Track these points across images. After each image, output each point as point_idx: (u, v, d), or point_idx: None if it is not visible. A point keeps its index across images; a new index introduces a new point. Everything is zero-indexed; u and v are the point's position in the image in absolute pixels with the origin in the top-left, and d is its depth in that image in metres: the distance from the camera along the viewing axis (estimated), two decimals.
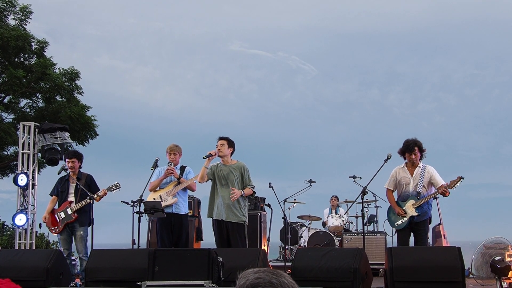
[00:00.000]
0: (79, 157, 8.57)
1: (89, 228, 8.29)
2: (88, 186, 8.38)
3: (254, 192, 7.90)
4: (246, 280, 1.79)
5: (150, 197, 8.12)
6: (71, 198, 8.36)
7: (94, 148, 17.22)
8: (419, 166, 7.59)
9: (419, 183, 7.51)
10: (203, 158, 7.72)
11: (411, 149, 7.49)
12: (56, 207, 8.45)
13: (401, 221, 7.51)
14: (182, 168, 8.28)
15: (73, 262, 8.87)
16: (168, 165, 8.06)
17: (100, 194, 8.20)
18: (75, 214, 8.22)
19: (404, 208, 7.52)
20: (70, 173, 8.45)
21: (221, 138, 7.85)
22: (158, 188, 8.17)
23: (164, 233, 8.07)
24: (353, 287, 6.24)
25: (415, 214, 7.44)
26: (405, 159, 7.63)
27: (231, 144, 7.86)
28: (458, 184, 7.39)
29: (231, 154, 7.93)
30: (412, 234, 7.58)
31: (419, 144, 7.53)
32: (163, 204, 7.94)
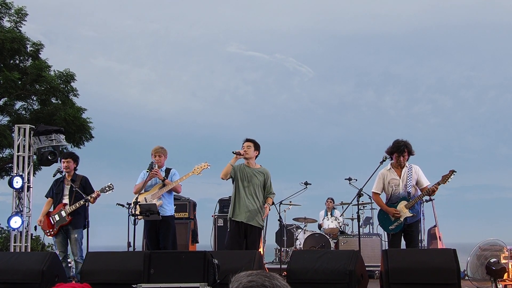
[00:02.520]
0: (74, 158, 8.52)
1: (85, 231, 8.23)
2: (83, 188, 8.32)
3: (273, 202, 7.97)
4: (239, 283, 1.78)
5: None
6: (66, 200, 8.30)
7: (89, 151, 17.19)
8: (406, 166, 7.50)
9: (408, 184, 7.42)
10: (233, 152, 7.69)
11: (401, 151, 7.38)
12: (52, 209, 8.42)
13: (396, 225, 7.38)
14: (168, 170, 8.23)
15: (69, 265, 8.83)
16: (152, 167, 8.02)
17: (93, 195, 8.13)
18: (69, 217, 8.17)
19: (397, 209, 7.39)
20: (65, 174, 8.41)
21: (248, 140, 7.80)
22: (143, 191, 8.05)
23: (153, 236, 8.03)
24: None
25: (409, 214, 7.32)
26: (391, 159, 7.53)
27: (257, 147, 7.82)
28: (451, 178, 7.28)
29: (256, 157, 7.89)
30: (403, 236, 7.47)
31: (409, 148, 7.42)
32: None
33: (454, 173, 7.27)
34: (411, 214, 7.35)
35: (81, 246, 8.14)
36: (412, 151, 7.48)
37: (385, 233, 7.79)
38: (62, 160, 8.50)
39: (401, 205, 7.38)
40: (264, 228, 8.93)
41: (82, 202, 8.05)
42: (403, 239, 7.48)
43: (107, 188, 8.22)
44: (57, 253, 8.29)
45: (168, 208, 8.13)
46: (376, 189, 7.61)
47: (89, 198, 8.05)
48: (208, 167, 8.01)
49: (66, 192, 8.35)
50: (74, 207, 8.12)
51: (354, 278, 6.22)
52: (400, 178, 7.47)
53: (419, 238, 9.08)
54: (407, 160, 7.49)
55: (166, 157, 8.28)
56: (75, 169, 8.50)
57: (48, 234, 8.34)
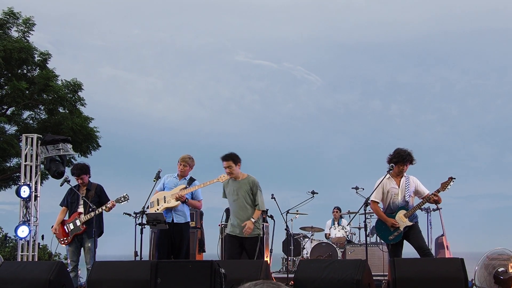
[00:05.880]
0: (85, 171, 8.45)
1: (99, 239, 8.24)
2: (98, 197, 8.34)
3: (264, 210, 7.79)
4: None
5: (154, 197, 8.07)
6: (81, 209, 8.31)
7: (96, 159, 17.25)
8: (404, 176, 7.50)
9: (406, 193, 7.41)
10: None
11: (406, 161, 7.38)
12: (67, 217, 8.44)
13: (395, 234, 7.33)
14: (191, 180, 8.20)
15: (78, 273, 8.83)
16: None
17: (108, 205, 8.13)
18: (84, 226, 8.18)
19: (395, 219, 7.35)
20: (80, 185, 8.44)
21: (225, 159, 7.59)
22: (164, 189, 8.15)
23: (164, 243, 8.02)
24: None
25: (408, 223, 7.28)
26: (391, 168, 7.44)
27: (236, 160, 7.62)
28: (450, 185, 7.24)
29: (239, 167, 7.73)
30: (405, 241, 7.42)
31: (412, 158, 7.43)
32: (165, 205, 7.92)
33: (453, 180, 7.25)
34: (411, 223, 7.32)
35: (94, 255, 8.12)
36: (413, 161, 7.49)
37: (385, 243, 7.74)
38: (76, 178, 8.45)
39: (400, 214, 7.34)
40: (271, 237, 8.92)
41: (93, 214, 8.04)
42: (409, 243, 7.43)
43: (122, 199, 8.20)
44: (69, 262, 8.32)
45: (184, 215, 8.12)
46: (376, 198, 7.53)
47: (98, 209, 8.04)
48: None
49: (81, 201, 8.36)
50: (88, 217, 8.12)
51: (361, 287, 6.21)
52: (399, 187, 7.47)
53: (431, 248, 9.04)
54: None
55: (192, 167, 8.27)
56: (89, 177, 8.51)
57: (62, 242, 8.34)
